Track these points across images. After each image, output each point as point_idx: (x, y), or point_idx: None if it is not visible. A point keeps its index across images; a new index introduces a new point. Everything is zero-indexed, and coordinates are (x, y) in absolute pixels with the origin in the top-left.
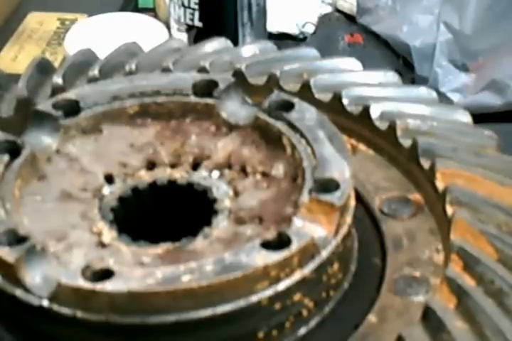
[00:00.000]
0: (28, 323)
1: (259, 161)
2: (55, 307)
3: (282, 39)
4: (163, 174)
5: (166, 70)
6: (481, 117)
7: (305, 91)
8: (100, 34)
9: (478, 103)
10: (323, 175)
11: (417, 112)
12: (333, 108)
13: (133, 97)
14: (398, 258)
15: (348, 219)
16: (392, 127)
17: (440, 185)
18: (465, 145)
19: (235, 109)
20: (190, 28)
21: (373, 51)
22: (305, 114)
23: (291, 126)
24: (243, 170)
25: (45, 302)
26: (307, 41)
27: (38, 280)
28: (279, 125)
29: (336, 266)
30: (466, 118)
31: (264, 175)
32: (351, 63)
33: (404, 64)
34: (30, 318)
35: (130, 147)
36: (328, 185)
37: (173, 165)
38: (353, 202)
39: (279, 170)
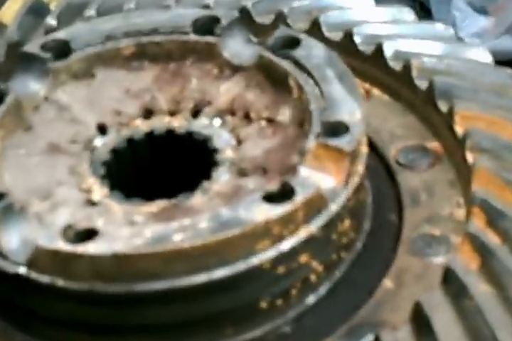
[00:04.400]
0: (3, 294)
1: (264, 106)
2: (33, 274)
3: None
4: (160, 123)
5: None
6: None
7: (314, 30)
8: None
9: (498, 48)
10: (331, 117)
11: (433, 51)
12: (345, 47)
13: (128, 36)
14: (416, 214)
15: (360, 167)
16: (407, 67)
17: (459, 129)
18: (485, 85)
19: (238, 48)
20: None
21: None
22: (312, 50)
23: (298, 64)
24: (247, 116)
25: (22, 270)
26: None
27: (15, 244)
28: (285, 64)
29: (347, 222)
30: (485, 57)
31: (269, 121)
32: None
33: (421, 7)
34: (6, 288)
35: (125, 93)
36: (337, 129)
37: (172, 113)
38: (365, 149)
39: (285, 115)
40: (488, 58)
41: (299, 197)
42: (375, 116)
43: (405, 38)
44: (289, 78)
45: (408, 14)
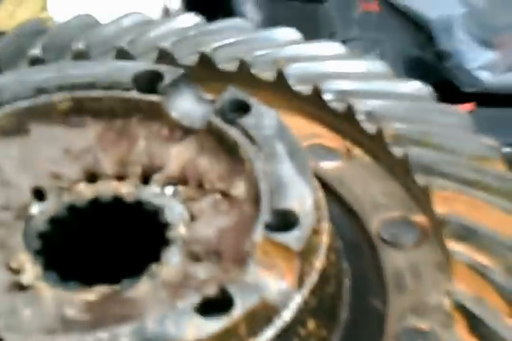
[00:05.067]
0: None
1: (218, 176)
2: None
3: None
4: (107, 188)
5: (120, 52)
6: None
7: (281, 82)
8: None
9: (509, 82)
10: (280, 204)
11: (408, 113)
12: (316, 102)
13: (62, 90)
14: (401, 301)
15: (318, 263)
16: (381, 132)
17: (439, 210)
18: (464, 157)
19: (187, 108)
20: None
21: (392, 20)
22: (263, 119)
23: (247, 134)
24: (200, 185)
25: None
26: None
27: None
28: (234, 132)
29: (311, 324)
30: (465, 121)
31: (224, 194)
32: (335, 48)
33: (426, 35)
34: None
35: (65, 153)
36: (286, 220)
37: (118, 178)
38: (325, 238)
39: (239, 188)
40: (468, 122)
41: (239, 310)
42: (356, 181)
43: (378, 96)
44: (239, 149)
45: (381, 67)
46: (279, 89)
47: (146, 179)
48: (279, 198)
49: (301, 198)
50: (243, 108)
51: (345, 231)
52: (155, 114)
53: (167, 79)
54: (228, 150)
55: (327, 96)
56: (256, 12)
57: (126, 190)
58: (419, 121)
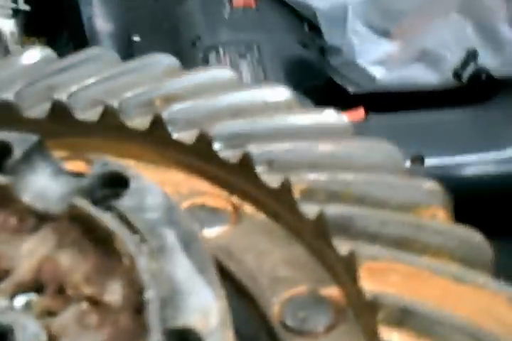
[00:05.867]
0: None
1: (85, 277)
2: None
3: None
4: None
5: None
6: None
7: (157, 129)
8: None
9: (407, 79)
10: (175, 320)
11: (322, 158)
12: (201, 152)
13: None
14: None
15: None
16: (286, 185)
17: (366, 287)
18: (396, 209)
19: (42, 187)
20: (16, 13)
21: (270, 16)
22: (145, 198)
23: (126, 220)
24: (61, 292)
25: None
26: (185, 4)
27: None
28: (108, 219)
29: None
30: (395, 159)
31: (93, 302)
32: (223, 76)
33: (311, 29)
34: None
35: None
36: None
37: None
38: None
39: (113, 294)
40: (399, 161)
41: None
42: (248, 249)
43: (282, 138)
44: (115, 241)
45: (284, 95)
46: (155, 138)
47: None
48: (174, 311)
49: (204, 310)
50: (118, 184)
51: (239, 322)
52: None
53: (16, 152)
54: (98, 242)
55: (215, 144)
56: (107, 23)
57: None
58: (337, 166)
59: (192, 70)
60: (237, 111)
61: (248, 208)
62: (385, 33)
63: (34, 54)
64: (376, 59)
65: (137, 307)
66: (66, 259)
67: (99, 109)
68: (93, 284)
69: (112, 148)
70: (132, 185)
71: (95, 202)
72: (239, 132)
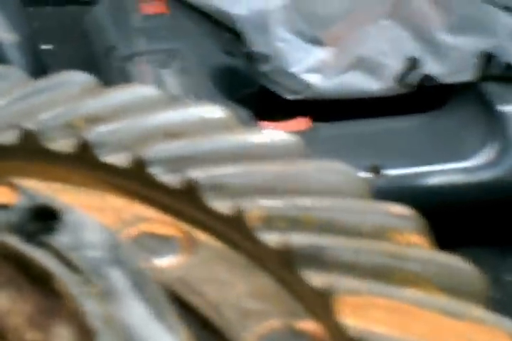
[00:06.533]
0: None
1: (27, 319)
2: None
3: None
4: None
5: None
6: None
7: (84, 153)
8: None
9: (345, 86)
10: None
11: (275, 181)
12: (139, 176)
13: None
14: None
15: None
16: (240, 212)
17: (349, 322)
18: (369, 237)
19: None
20: None
21: (186, 23)
22: (82, 233)
23: (62, 259)
24: (1, 337)
25: None
26: (93, 12)
27: None
28: (42, 257)
29: None
30: (355, 182)
31: None
32: (149, 93)
33: (232, 36)
34: None
35: None
36: None
37: None
38: None
39: (61, 338)
40: (361, 186)
41: None
42: (208, 279)
43: (227, 160)
44: (54, 281)
45: (219, 113)
46: (83, 160)
47: None
48: None
49: None
50: (50, 218)
51: None
52: None
53: None
54: (36, 281)
55: (153, 168)
56: (10, 33)
57: None
58: (293, 190)
59: (113, 88)
60: (170, 132)
61: (201, 235)
62: (314, 40)
63: None
64: (309, 66)
65: None
66: (3, 300)
67: (16, 132)
68: (37, 328)
69: (35, 171)
70: (65, 218)
71: (26, 238)
72: (177, 155)
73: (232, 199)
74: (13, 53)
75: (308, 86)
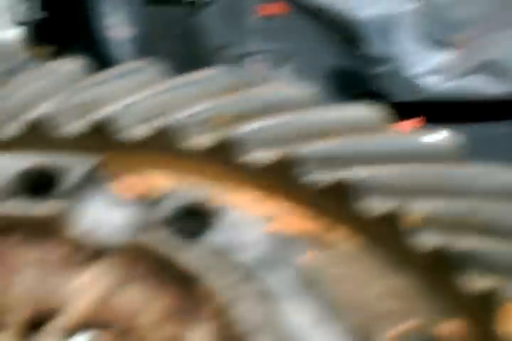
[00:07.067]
0: None
1: (159, 318)
2: None
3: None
4: None
5: None
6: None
7: (222, 150)
8: None
9: (468, 89)
10: None
11: (437, 183)
12: (283, 173)
13: None
14: None
15: None
16: (395, 213)
17: (507, 332)
18: None
19: (100, 216)
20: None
21: (302, 24)
22: (240, 232)
23: (216, 258)
24: (129, 333)
25: None
26: (206, 12)
27: None
28: (191, 256)
29: None
30: None
31: None
32: (296, 92)
33: (349, 38)
34: None
35: None
36: None
37: None
38: None
39: (197, 339)
40: None
41: None
42: (343, 278)
43: (378, 158)
44: (199, 282)
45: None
46: (222, 157)
47: (34, 329)
48: None
49: None
50: (204, 216)
51: None
52: (48, 229)
53: (70, 178)
54: (175, 280)
55: (303, 166)
56: (125, 30)
57: None
58: (456, 192)
59: (257, 86)
60: (321, 131)
61: (339, 233)
62: (440, 43)
63: (69, 65)
64: (429, 68)
65: None
66: (133, 297)
67: (153, 126)
68: (170, 327)
69: (168, 166)
70: (223, 217)
71: (175, 235)
72: (329, 154)
73: (389, 200)
74: (128, 49)
75: (424, 88)
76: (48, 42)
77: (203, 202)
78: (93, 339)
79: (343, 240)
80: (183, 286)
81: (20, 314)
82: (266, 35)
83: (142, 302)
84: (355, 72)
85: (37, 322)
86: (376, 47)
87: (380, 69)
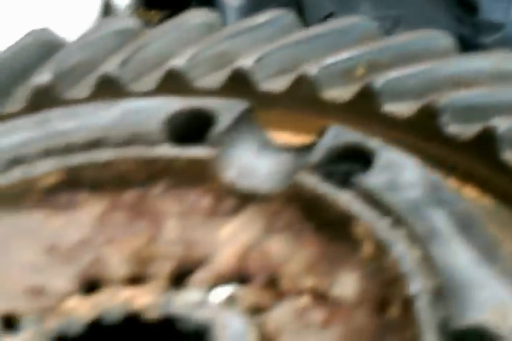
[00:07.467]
0: None
1: (305, 267)
2: None
3: None
4: (114, 302)
5: (107, 82)
6: None
7: (361, 100)
8: None
9: None
10: (458, 320)
11: None
12: (419, 127)
13: (49, 156)
14: None
15: None
16: None
17: None
18: None
19: (249, 163)
20: None
21: None
22: (399, 173)
23: (372, 200)
24: (272, 285)
25: None
26: None
27: None
28: (346, 198)
29: None
30: None
31: (317, 296)
32: (437, 41)
33: (465, 4)
34: None
35: (48, 252)
36: None
37: (133, 282)
38: None
39: (346, 286)
40: None
41: None
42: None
43: None
44: (353, 225)
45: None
46: (360, 111)
47: (178, 280)
48: (456, 308)
49: (500, 307)
50: (358, 158)
51: None
52: (196, 176)
53: (222, 121)
54: (323, 225)
55: (442, 117)
56: None
57: (147, 300)
58: None
59: (397, 35)
60: (463, 81)
61: (470, 190)
62: None
63: (200, 17)
64: None
65: (379, 303)
66: (278, 246)
67: (290, 78)
68: (316, 275)
69: (303, 122)
70: (379, 158)
71: (329, 179)
72: (475, 104)
73: None
74: (238, 17)
75: None
76: (160, 8)
77: (359, 142)
78: (235, 292)
79: (471, 199)
80: (334, 232)
81: (166, 266)
82: (376, 1)
83: (286, 252)
84: (466, 39)
85: (181, 274)
86: (491, 12)
87: (493, 37)
